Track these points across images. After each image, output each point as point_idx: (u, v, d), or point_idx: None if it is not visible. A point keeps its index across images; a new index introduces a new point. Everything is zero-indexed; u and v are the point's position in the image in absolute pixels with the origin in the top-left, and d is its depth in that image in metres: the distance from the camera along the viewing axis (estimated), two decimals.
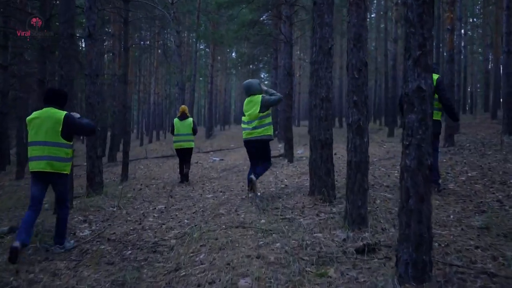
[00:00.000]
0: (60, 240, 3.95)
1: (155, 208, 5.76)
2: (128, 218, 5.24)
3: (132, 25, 27.28)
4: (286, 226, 3.87)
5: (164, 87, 34.01)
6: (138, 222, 4.95)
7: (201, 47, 41.69)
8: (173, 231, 4.29)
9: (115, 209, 5.84)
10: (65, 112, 3.88)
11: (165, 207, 5.78)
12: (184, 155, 8.20)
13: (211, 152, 15.33)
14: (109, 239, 4.26)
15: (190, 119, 8.24)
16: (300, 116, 40.60)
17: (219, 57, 37.08)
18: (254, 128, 5.32)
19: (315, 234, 3.52)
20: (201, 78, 41.77)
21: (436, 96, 4.77)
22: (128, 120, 12.63)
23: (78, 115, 4.11)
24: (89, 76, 6.87)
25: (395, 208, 4.24)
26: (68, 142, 3.88)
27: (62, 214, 3.98)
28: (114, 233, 4.52)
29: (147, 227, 4.63)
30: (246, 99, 5.57)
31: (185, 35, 32.69)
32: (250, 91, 5.47)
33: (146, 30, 29.07)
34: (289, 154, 9.68)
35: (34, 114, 3.90)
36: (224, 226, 4.06)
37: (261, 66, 29.52)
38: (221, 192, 6.50)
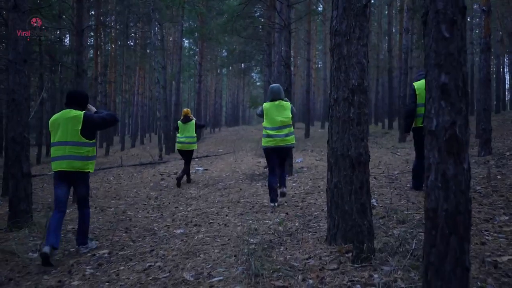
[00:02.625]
0: (83, 240, 3.97)
1: (94, 255, 3.86)
2: (44, 278, 3.33)
3: (121, 19, 25.32)
4: None
5: (150, 87, 31.95)
6: None
7: (192, 46, 39.73)
8: None
9: (35, 255, 3.93)
10: (84, 111, 3.90)
11: (109, 253, 3.89)
12: (186, 156, 8.40)
13: (196, 159, 13.40)
14: None
15: (193, 121, 8.43)
16: (295, 117, 38.66)
17: (208, 57, 35.05)
18: (287, 135, 5.13)
19: None
20: (191, 79, 39.63)
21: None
22: None
23: (94, 109, 4.07)
24: (13, 63, 4.94)
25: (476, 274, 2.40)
26: (88, 141, 3.88)
27: (84, 214, 3.98)
28: None
29: None
30: (271, 104, 5.18)
31: (171, 31, 30.76)
32: (279, 95, 5.20)
33: (132, 26, 27.03)
34: (287, 164, 7.78)
35: (55, 116, 3.95)
36: None
37: (253, 64, 27.62)
38: (195, 225, 4.61)
